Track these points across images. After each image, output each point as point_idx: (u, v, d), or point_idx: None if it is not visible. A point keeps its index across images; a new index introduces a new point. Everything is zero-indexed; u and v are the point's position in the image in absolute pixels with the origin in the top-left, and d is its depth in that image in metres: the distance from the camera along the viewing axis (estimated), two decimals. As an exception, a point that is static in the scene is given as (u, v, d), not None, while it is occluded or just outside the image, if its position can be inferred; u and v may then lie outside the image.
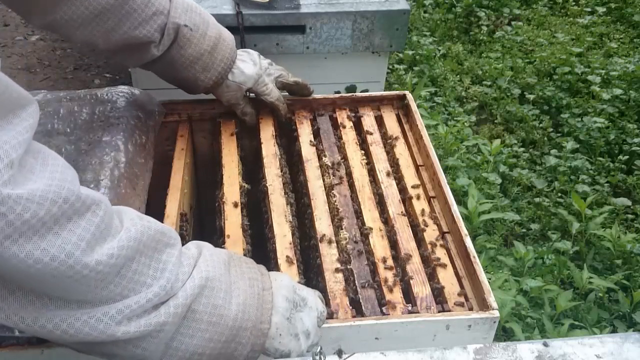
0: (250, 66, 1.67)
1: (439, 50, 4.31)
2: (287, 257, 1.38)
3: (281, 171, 1.60)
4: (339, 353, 0.98)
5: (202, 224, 1.80)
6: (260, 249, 1.47)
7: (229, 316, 1.02)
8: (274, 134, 1.72)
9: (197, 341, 0.99)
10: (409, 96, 1.81)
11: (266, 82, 1.69)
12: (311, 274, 1.44)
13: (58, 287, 0.86)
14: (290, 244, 1.40)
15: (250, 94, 1.71)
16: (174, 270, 0.97)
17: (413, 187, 1.56)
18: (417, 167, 1.64)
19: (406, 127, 1.77)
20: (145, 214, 1.41)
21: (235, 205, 1.50)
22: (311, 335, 1.12)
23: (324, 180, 1.58)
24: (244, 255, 1.40)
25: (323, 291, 1.31)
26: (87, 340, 0.91)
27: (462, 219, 1.45)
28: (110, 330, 0.91)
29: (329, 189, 1.56)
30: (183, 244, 1.05)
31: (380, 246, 1.41)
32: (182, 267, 0.99)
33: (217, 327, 1.01)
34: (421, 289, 1.32)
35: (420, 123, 1.73)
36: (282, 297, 1.10)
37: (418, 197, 1.54)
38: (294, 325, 1.10)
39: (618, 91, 3.74)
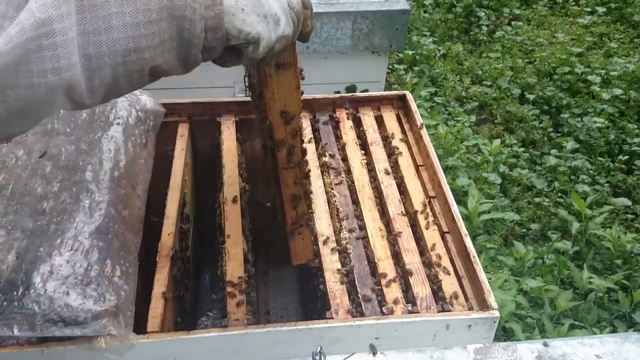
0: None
1: (439, 50, 4.31)
2: None
3: None
4: (372, 348, 0.96)
5: (202, 223, 1.80)
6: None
7: None
8: None
9: (119, 34, 0.75)
10: (409, 96, 1.81)
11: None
12: (311, 275, 1.45)
13: None
14: None
15: None
16: None
17: (413, 187, 1.56)
18: (417, 167, 1.64)
19: (406, 127, 1.77)
20: (145, 214, 1.42)
21: (235, 204, 1.50)
22: (281, 22, 0.90)
23: (324, 180, 1.58)
24: (245, 253, 1.39)
25: (323, 292, 1.31)
26: None
27: (462, 219, 1.45)
28: None
29: (329, 189, 1.56)
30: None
31: (380, 246, 1.41)
32: None
33: (135, 3, 0.76)
34: (421, 289, 1.32)
35: (420, 123, 1.73)
36: None
37: (418, 198, 1.54)
38: (260, 4, 0.87)
39: (618, 91, 3.74)
